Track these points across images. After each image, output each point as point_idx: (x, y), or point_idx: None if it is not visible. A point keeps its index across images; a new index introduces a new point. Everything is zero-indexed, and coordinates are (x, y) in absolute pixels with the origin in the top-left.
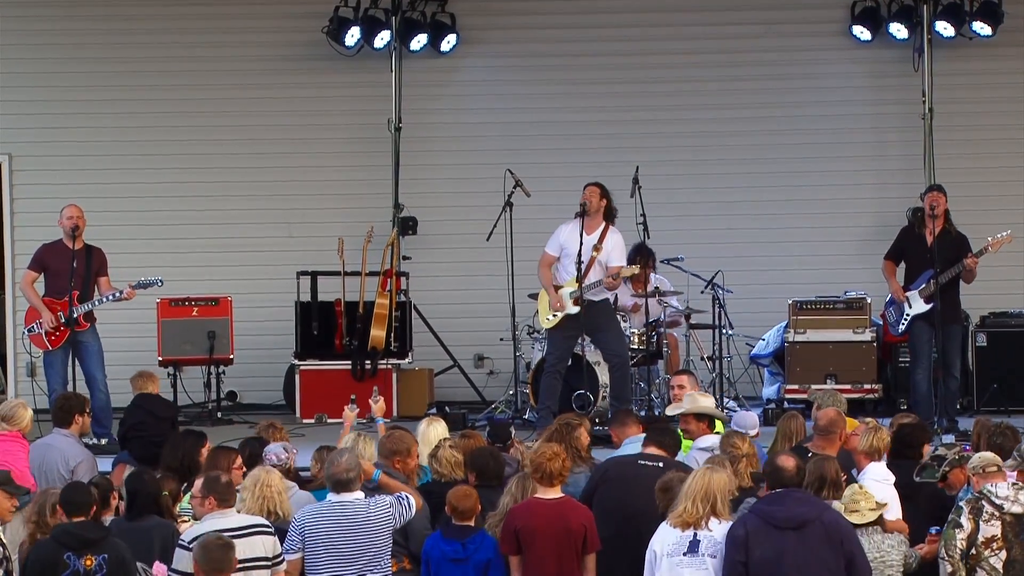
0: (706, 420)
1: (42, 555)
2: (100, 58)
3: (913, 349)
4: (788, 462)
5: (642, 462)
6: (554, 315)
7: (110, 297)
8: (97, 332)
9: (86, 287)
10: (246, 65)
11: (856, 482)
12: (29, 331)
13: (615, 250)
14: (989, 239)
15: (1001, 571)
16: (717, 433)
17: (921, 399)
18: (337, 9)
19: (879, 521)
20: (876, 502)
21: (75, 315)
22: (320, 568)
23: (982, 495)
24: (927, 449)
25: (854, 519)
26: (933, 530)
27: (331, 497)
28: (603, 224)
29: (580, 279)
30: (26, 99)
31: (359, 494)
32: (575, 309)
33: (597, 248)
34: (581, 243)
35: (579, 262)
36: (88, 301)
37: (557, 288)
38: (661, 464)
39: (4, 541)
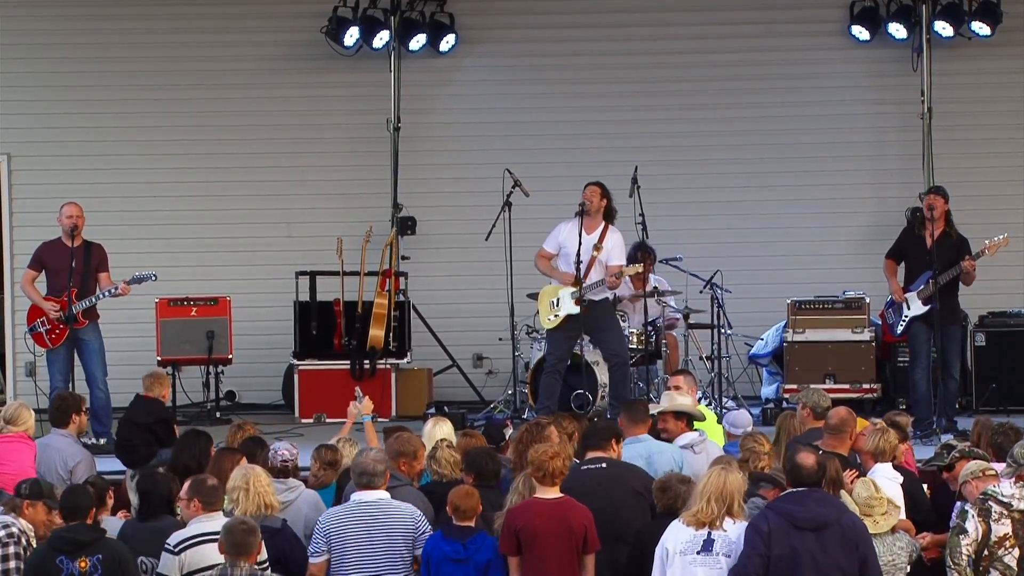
0: (685, 418)
1: (35, 562)
2: (100, 58)
3: (912, 349)
4: (808, 459)
5: (584, 467)
6: (555, 315)
7: (106, 293)
8: (99, 330)
9: (85, 284)
10: (246, 65)
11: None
12: (31, 330)
13: (615, 249)
14: (986, 242)
15: (1016, 569)
16: (696, 430)
17: (920, 399)
18: (336, 9)
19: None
20: (889, 502)
21: (74, 312)
22: (346, 570)
23: (987, 496)
24: (903, 447)
25: (867, 525)
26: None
27: (355, 497)
28: (602, 224)
29: (581, 279)
30: (26, 99)
31: (383, 494)
32: (576, 309)
33: (597, 248)
34: (580, 243)
35: (578, 261)
36: (86, 298)
37: (555, 289)
38: (604, 464)
39: (34, 544)
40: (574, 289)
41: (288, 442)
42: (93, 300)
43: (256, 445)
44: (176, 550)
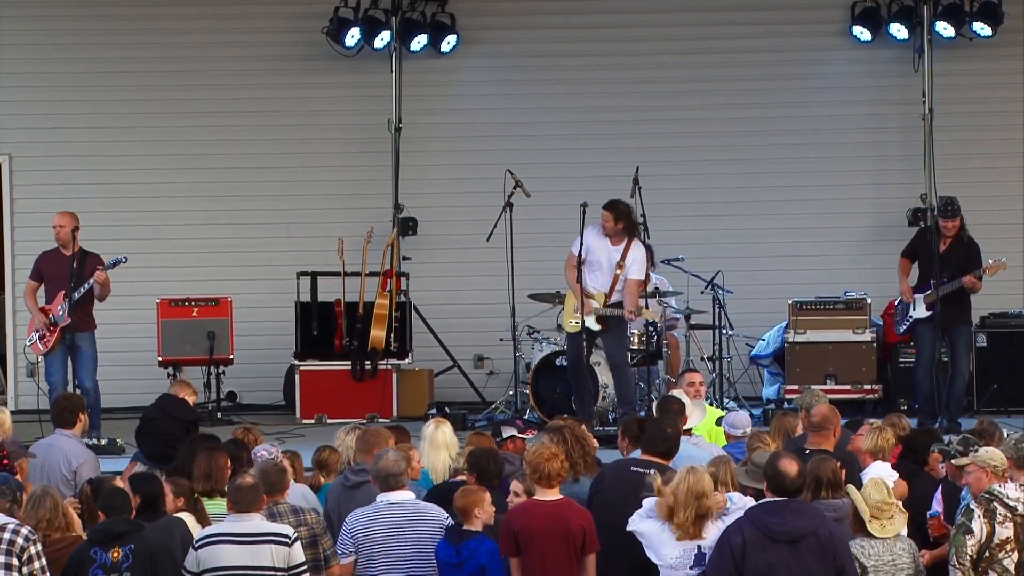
0: None
1: (74, 555)
2: (99, 58)
3: (917, 349)
4: (791, 467)
5: (634, 468)
6: (575, 321)
7: (86, 286)
8: (94, 339)
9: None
10: (246, 65)
11: (858, 483)
12: (29, 341)
13: (635, 264)
14: (990, 261)
15: (1013, 572)
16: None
17: (924, 399)
18: (337, 9)
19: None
20: (897, 505)
21: (61, 311)
22: (374, 570)
23: (993, 496)
24: (933, 456)
25: (874, 529)
26: (932, 513)
27: (381, 498)
28: (627, 239)
29: (608, 294)
30: (26, 99)
31: (409, 494)
32: (596, 327)
33: (620, 265)
34: (606, 253)
35: (585, 260)
36: (72, 293)
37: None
38: (652, 471)
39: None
40: (599, 305)
41: (267, 444)
42: (75, 296)
43: (239, 449)
44: (197, 546)
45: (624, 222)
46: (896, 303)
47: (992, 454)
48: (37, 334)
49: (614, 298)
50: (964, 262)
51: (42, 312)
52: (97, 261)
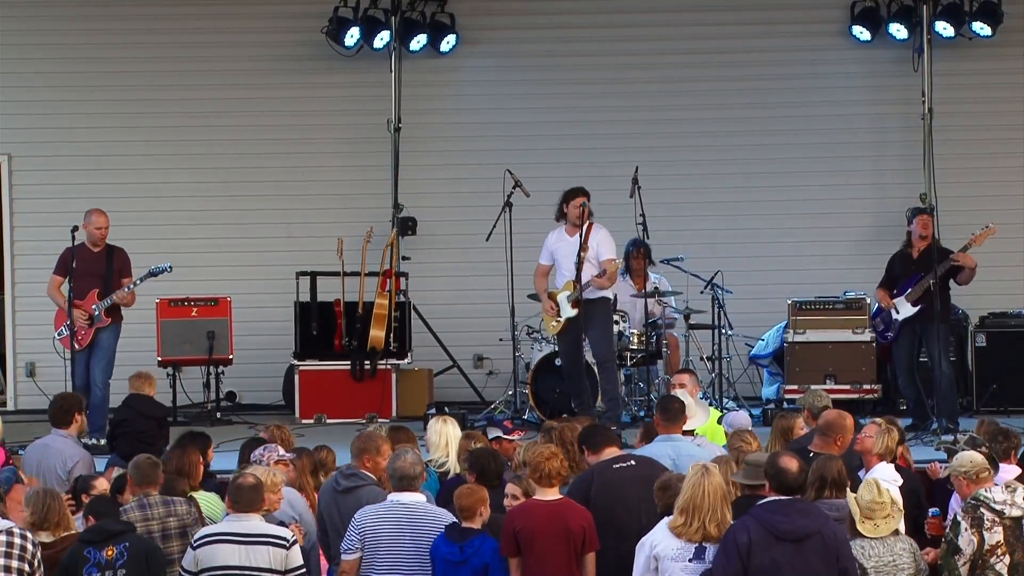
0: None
1: (66, 557)
2: (100, 58)
3: (896, 359)
4: (792, 464)
5: (616, 466)
6: (557, 321)
7: (127, 289)
8: (118, 332)
9: (107, 287)
10: (246, 65)
11: (858, 484)
12: (59, 335)
13: (603, 245)
14: (972, 234)
15: None
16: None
17: (913, 405)
18: (337, 9)
19: None
20: (892, 504)
21: (98, 312)
22: (378, 569)
23: (979, 501)
24: (899, 450)
25: (866, 529)
26: (934, 512)
27: (392, 498)
28: (584, 226)
29: (577, 281)
30: (26, 99)
31: (420, 496)
32: (573, 312)
33: (584, 248)
34: (581, 244)
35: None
36: (106, 298)
37: (551, 295)
38: (632, 462)
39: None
40: (570, 292)
41: (269, 447)
42: (108, 302)
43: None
44: (195, 545)
45: (558, 206)
46: (874, 317)
47: (962, 459)
48: (69, 330)
49: (584, 279)
50: (940, 258)
51: (75, 308)
52: (123, 256)
